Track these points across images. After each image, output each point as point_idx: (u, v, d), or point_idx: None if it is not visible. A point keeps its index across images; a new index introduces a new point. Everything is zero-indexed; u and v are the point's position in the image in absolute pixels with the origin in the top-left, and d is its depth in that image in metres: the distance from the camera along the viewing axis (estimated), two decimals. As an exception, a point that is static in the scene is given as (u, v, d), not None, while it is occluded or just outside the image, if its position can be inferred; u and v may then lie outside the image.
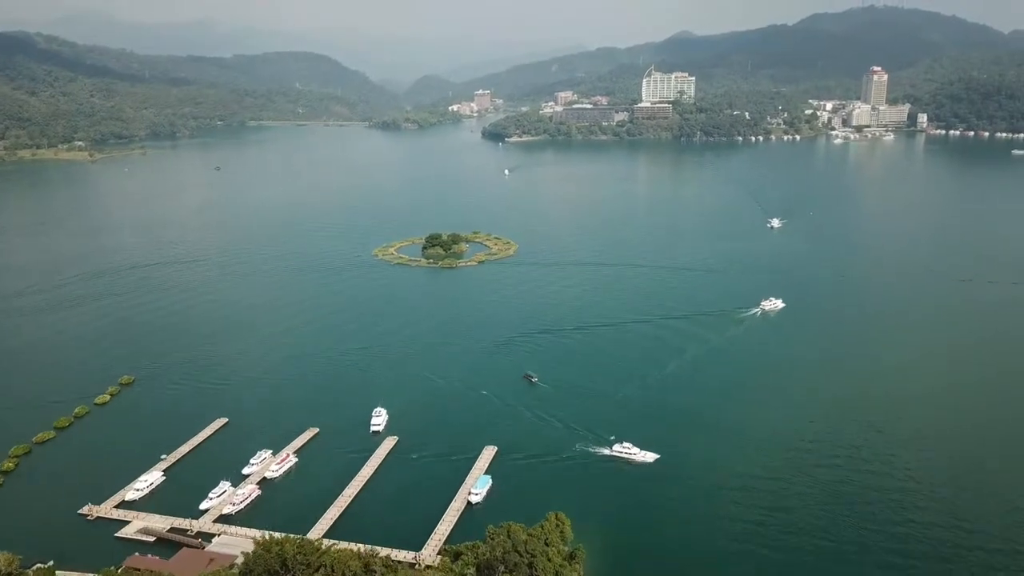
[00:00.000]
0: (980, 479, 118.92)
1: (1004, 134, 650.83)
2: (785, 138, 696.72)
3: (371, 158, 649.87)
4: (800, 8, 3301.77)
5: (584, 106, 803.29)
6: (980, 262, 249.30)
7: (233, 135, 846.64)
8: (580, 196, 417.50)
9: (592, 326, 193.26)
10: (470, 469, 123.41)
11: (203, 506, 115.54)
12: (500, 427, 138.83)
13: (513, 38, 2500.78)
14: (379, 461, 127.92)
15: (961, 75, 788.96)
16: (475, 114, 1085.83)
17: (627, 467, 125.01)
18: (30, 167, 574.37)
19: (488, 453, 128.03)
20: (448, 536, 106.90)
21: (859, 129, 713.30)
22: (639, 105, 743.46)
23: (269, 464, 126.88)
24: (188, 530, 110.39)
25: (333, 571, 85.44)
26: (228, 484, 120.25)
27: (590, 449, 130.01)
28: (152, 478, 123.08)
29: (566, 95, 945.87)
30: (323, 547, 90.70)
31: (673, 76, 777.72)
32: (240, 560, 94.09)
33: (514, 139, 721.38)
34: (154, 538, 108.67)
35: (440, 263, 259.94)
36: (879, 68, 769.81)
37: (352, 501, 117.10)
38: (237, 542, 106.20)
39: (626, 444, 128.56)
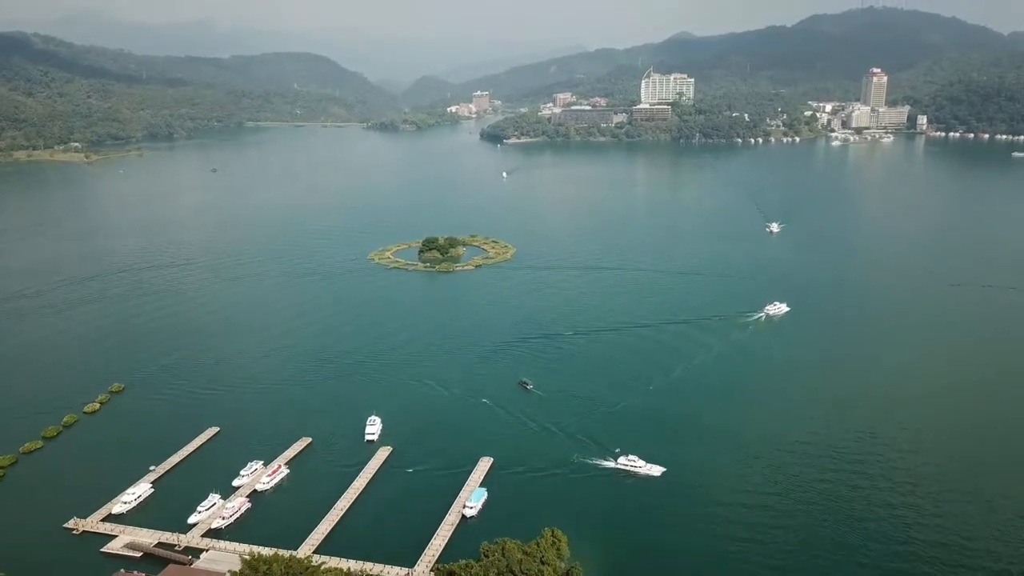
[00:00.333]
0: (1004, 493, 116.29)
1: (1004, 136, 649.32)
2: (784, 140, 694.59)
3: (368, 160, 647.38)
4: (799, 9, 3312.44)
5: (583, 107, 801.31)
6: (989, 267, 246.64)
7: (230, 136, 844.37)
8: (579, 198, 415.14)
9: (593, 331, 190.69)
10: (465, 481, 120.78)
11: (191, 520, 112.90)
12: (496, 437, 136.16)
13: (513, 38, 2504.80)
14: (372, 472, 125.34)
15: (961, 77, 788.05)
16: (473, 115, 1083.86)
17: (629, 481, 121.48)
18: (25, 168, 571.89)
19: (484, 465, 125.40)
20: (442, 552, 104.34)
21: (859, 131, 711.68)
22: (638, 107, 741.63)
23: (260, 476, 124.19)
24: (176, 545, 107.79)
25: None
26: (217, 497, 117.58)
27: (590, 461, 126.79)
28: (140, 490, 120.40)
29: (565, 96, 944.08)
30: (312, 565, 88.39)
31: (672, 77, 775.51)
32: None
33: (512, 141, 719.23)
34: (140, 553, 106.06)
35: (437, 267, 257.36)
36: (879, 70, 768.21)
37: (344, 514, 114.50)
38: (226, 558, 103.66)
39: (631, 457, 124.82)
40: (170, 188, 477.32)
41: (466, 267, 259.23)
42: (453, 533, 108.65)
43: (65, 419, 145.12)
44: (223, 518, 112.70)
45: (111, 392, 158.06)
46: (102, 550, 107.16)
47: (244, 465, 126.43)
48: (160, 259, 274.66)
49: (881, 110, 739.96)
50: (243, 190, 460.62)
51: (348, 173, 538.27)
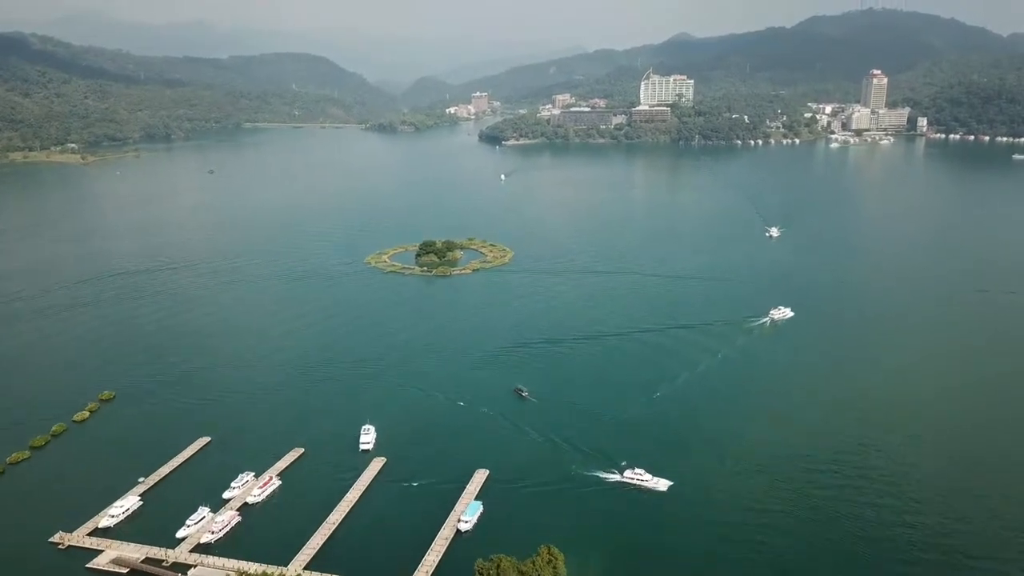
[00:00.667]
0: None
1: (1005, 138, 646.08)
2: (784, 142, 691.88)
3: (366, 161, 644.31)
4: (799, 10, 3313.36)
5: (582, 109, 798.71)
6: (997, 271, 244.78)
7: (228, 137, 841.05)
8: (577, 201, 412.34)
9: (593, 336, 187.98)
10: (460, 494, 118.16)
11: (180, 534, 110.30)
12: (493, 447, 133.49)
13: (513, 38, 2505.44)
14: (366, 485, 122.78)
15: (961, 79, 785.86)
16: (472, 116, 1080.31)
17: (631, 495, 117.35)
18: (21, 170, 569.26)
19: (479, 477, 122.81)
20: (436, 568, 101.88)
21: (859, 133, 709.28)
22: (637, 108, 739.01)
23: (251, 488, 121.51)
24: (163, 561, 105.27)
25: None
26: (207, 510, 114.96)
27: (591, 473, 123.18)
28: (128, 503, 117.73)
29: (564, 98, 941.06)
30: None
31: (671, 79, 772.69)
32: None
33: (511, 142, 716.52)
34: (127, 570, 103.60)
35: (434, 271, 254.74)
36: (879, 71, 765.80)
37: (337, 528, 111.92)
38: (214, 574, 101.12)
39: (637, 470, 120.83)
40: (166, 190, 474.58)
41: (463, 271, 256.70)
42: (447, 549, 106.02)
43: (54, 428, 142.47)
44: (212, 532, 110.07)
45: (101, 400, 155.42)
46: (87, 566, 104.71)
47: (235, 476, 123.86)
48: (154, 262, 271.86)
49: (881, 112, 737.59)
50: (240, 192, 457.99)
51: (345, 175, 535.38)
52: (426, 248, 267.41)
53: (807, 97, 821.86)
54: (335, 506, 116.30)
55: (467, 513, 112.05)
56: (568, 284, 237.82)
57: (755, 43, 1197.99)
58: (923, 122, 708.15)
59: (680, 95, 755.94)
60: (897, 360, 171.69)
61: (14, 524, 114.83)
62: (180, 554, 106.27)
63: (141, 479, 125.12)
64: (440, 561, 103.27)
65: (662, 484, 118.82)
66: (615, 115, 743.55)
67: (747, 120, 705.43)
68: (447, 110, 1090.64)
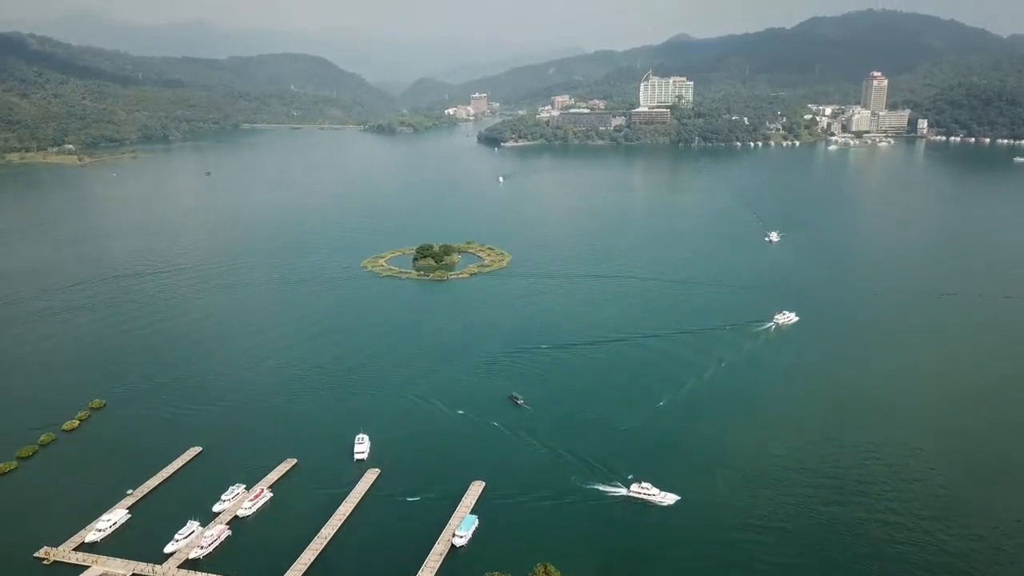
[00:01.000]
0: None
1: (1005, 140, 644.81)
2: (784, 144, 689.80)
3: (364, 163, 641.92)
4: (798, 11, 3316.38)
5: (581, 110, 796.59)
6: (999, 274, 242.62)
7: (226, 138, 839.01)
8: (576, 204, 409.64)
9: (593, 342, 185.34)
10: (455, 508, 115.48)
11: (168, 549, 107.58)
12: (490, 458, 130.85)
13: (512, 39, 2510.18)
14: (359, 497, 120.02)
15: (961, 80, 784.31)
16: (471, 117, 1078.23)
17: (634, 509, 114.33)
18: (18, 171, 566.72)
19: (475, 489, 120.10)
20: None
21: (859, 135, 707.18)
22: (637, 110, 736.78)
23: (242, 501, 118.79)
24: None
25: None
26: (196, 524, 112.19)
27: (593, 486, 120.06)
28: (116, 516, 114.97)
29: (563, 99, 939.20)
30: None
31: (671, 80, 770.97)
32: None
33: (510, 144, 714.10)
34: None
35: (431, 275, 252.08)
36: (879, 73, 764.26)
37: (328, 543, 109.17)
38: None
39: (644, 484, 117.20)
40: (162, 192, 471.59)
41: (461, 275, 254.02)
42: (441, 564, 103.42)
43: (42, 438, 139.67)
44: (201, 547, 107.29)
45: (91, 408, 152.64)
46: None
47: (225, 489, 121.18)
48: (148, 266, 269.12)
49: (881, 114, 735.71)
50: (236, 194, 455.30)
51: (343, 176, 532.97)
52: (423, 252, 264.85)
53: (807, 99, 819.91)
54: (327, 520, 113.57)
55: (462, 527, 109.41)
56: (567, 288, 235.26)
57: (755, 44, 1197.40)
58: (923, 124, 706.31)
59: (679, 97, 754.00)
60: (902, 362, 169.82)
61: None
62: (168, 570, 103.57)
63: (129, 491, 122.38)
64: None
65: (669, 498, 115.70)
66: (614, 117, 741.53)
67: (747, 122, 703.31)
68: (446, 111, 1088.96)
